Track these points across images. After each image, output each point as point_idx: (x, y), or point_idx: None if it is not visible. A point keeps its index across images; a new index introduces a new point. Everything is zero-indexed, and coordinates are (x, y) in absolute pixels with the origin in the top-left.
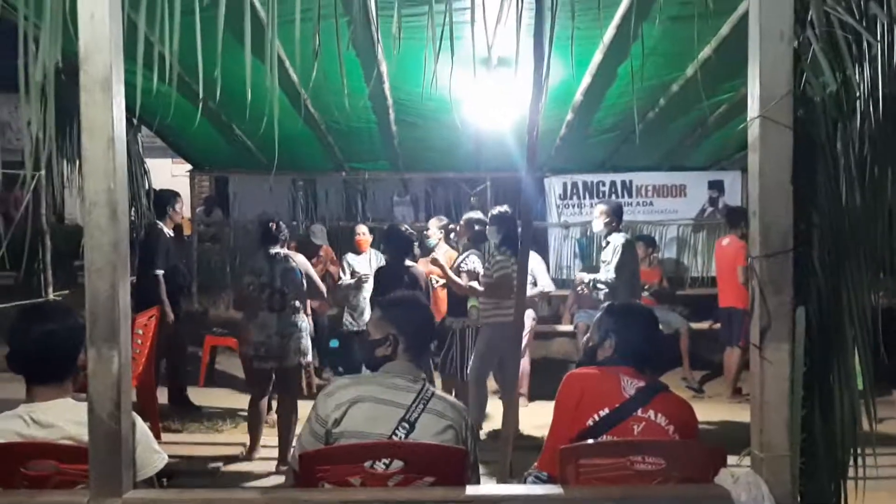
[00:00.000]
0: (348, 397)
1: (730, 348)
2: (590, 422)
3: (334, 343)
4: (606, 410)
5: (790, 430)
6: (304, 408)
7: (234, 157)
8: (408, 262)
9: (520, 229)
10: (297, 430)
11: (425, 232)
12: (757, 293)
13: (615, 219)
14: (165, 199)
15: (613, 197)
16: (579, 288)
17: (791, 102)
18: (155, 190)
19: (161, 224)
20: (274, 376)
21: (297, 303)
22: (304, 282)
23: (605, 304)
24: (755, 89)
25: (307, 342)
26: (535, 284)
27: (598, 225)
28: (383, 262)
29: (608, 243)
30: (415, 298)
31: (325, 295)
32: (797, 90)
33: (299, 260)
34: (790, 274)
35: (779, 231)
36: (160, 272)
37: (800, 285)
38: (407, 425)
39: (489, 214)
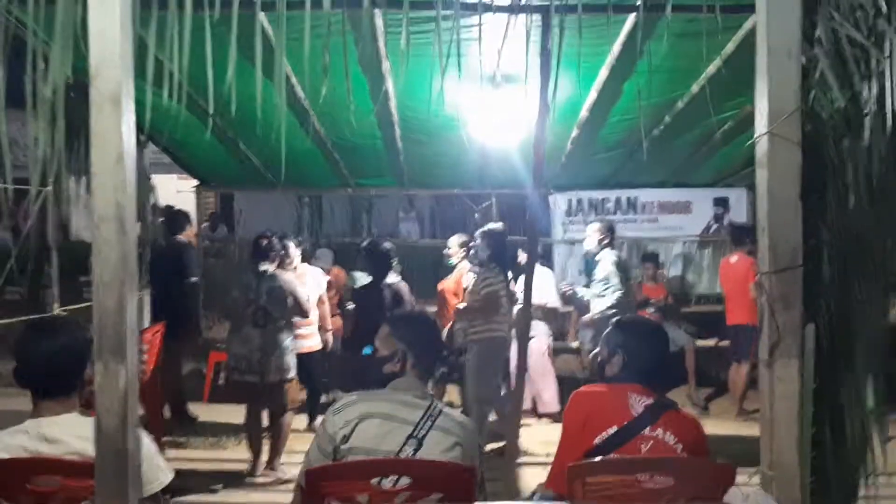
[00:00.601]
0: (356, 414)
1: (735, 365)
2: (597, 440)
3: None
4: (614, 429)
5: (800, 448)
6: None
7: (240, 173)
8: (389, 279)
9: (516, 246)
10: (288, 442)
11: (446, 251)
12: (766, 309)
13: (608, 236)
14: (183, 218)
15: (618, 214)
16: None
17: (799, 119)
18: (171, 208)
19: (181, 238)
20: (259, 391)
21: (283, 320)
22: (289, 300)
23: (613, 318)
24: (763, 106)
25: (289, 359)
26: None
27: (592, 243)
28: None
29: (598, 261)
30: (423, 314)
31: (308, 314)
32: (805, 106)
33: (285, 278)
34: (800, 290)
35: (788, 247)
36: (195, 279)
37: (809, 302)
38: (415, 442)
39: (479, 231)
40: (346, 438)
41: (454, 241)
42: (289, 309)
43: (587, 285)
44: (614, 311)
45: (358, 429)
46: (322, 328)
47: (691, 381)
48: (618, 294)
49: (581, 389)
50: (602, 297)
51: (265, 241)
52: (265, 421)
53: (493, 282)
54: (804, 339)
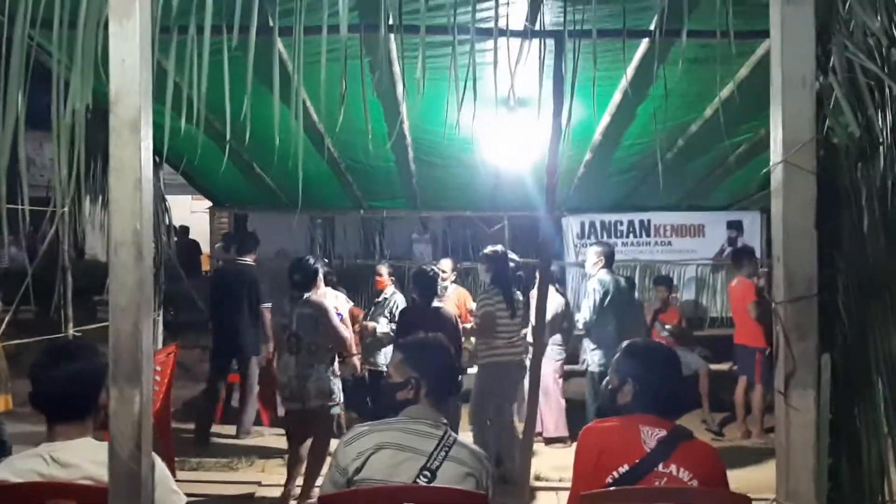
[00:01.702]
0: (369, 445)
1: (741, 378)
2: (609, 479)
3: None
4: (626, 467)
5: (816, 479)
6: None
7: (254, 194)
8: (436, 304)
9: (529, 268)
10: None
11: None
12: (781, 339)
13: (603, 260)
14: (252, 240)
15: (632, 236)
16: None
17: (814, 148)
18: (240, 230)
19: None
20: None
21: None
22: (321, 327)
23: (624, 344)
24: (778, 134)
25: (328, 385)
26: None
27: (589, 265)
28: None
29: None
30: (437, 341)
31: (346, 342)
32: (820, 134)
33: (316, 304)
34: (815, 320)
35: (803, 276)
36: (268, 304)
37: (825, 331)
38: (428, 473)
39: (481, 254)
40: (358, 470)
41: (446, 265)
42: (320, 336)
43: None
44: (594, 334)
45: (370, 460)
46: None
47: (705, 406)
48: (588, 318)
49: (591, 425)
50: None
51: (296, 266)
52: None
53: (489, 303)
54: (820, 369)
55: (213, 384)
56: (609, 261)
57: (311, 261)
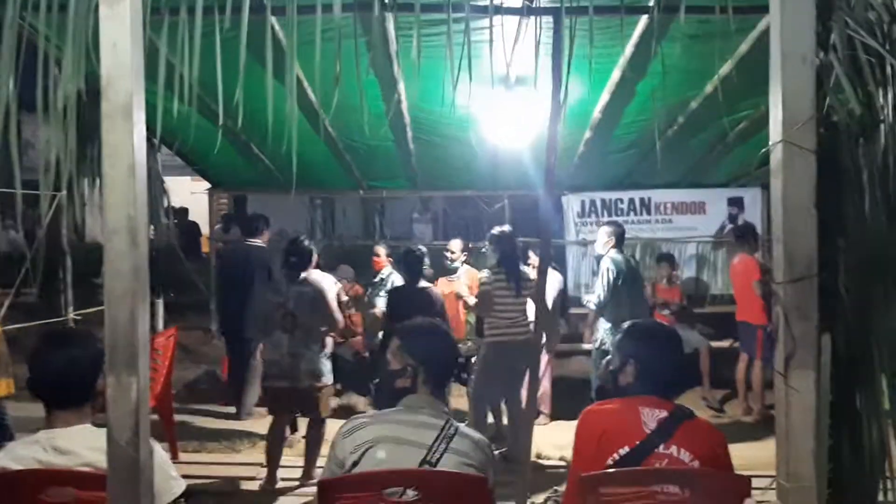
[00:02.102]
0: (367, 438)
1: (743, 356)
2: (609, 461)
3: None
4: (626, 449)
5: (817, 460)
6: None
7: (253, 175)
8: (422, 284)
9: (523, 247)
10: (324, 450)
11: (446, 253)
12: (781, 320)
13: (613, 240)
14: (262, 221)
15: (632, 214)
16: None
17: (814, 126)
18: (255, 214)
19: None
20: (293, 397)
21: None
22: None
23: (626, 324)
24: (777, 113)
25: (319, 365)
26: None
27: (599, 245)
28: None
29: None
30: (435, 326)
31: (339, 324)
32: (820, 113)
33: (315, 284)
34: (815, 300)
35: (803, 256)
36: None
37: (825, 312)
38: (428, 467)
39: (488, 234)
40: (355, 464)
41: (456, 245)
42: (316, 316)
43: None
44: (607, 314)
45: (368, 454)
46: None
47: (706, 383)
48: (602, 298)
49: (591, 407)
50: (593, 301)
51: (293, 245)
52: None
53: (487, 283)
54: (820, 350)
55: (237, 366)
56: (620, 240)
57: (307, 241)
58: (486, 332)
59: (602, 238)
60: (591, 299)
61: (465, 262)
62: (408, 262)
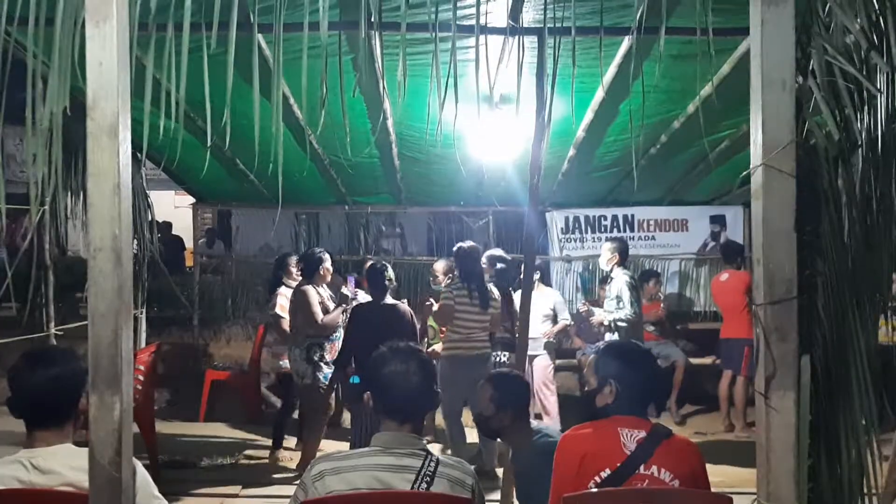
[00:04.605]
0: (337, 487)
1: (725, 374)
2: (591, 485)
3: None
4: (608, 471)
5: (797, 480)
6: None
7: (237, 190)
8: (389, 300)
9: (518, 265)
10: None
11: (432, 277)
12: (762, 341)
13: (619, 256)
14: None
15: (615, 231)
16: (595, 326)
17: (794, 150)
18: (306, 252)
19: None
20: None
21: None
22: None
23: (601, 345)
24: (758, 137)
25: (301, 366)
26: (555, 320)
27: (604, 261)
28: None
29: (612, 279)
30: (403, 351)
31: (318, 323)
32: (799, 137)
33: (298, 291)
34: (795, 321)
35: (783, 278)
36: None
37: (805, 333)
38: None
39: (454, 249)
40: None
41: (440, 267)
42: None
43: (594, 303)
44: (625, 328)
45: None
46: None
47: (673, 396)
48: (629, 312)
49: (569, 433)
50: (614, 315)
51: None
52: None
53: (448, 296)
54: (800, 371)
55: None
56: (623, 256)
57: (315, 252)
58: (443, 346)
59: (606, 254)
60: (620, 315)
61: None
62: (372, 278)
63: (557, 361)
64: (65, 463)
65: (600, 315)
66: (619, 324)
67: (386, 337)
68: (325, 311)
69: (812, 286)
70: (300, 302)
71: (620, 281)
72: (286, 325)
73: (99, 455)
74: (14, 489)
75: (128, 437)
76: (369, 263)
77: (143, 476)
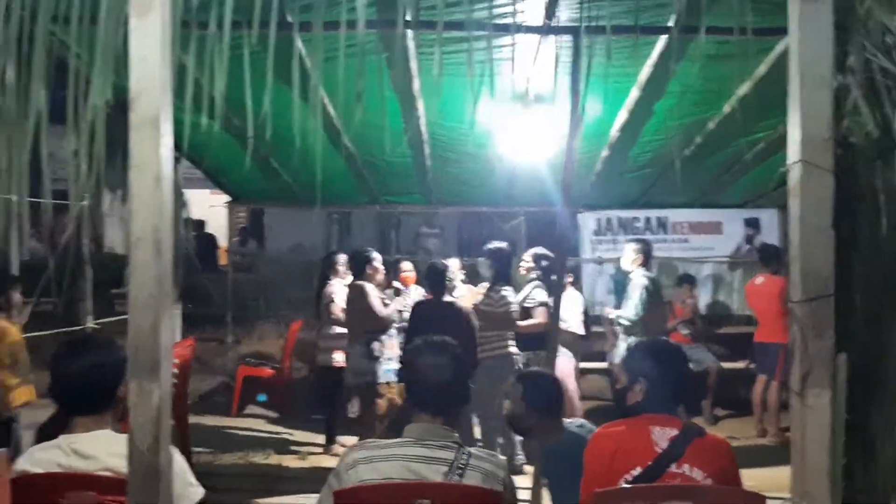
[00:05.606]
0: (370, 477)
1: (760, 379)
2: (621, 483)
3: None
4: (639, 469)
5: (831, 479)
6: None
7: (271, 189)
8: (448, 298)
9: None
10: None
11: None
12: (798, 339)
13: (641, 257)
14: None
15: (648, 234)
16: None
17: (832, 147)
18: (354, 250)
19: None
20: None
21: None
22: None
23: (632, 343)
24: (795, 134)
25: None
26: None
27: (626, 262)
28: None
29: (630, 280)
30: (436, 345)
31: (378, 316)
32: (837, 134)
33: (356, 287)
34: (831, 319)
35: (819, 276)
36: None
37: (841, 331)
38: None
39: (485, 248)
40: None
41: (454, 265)
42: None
43: (617, 305)
44: (636, 331)
45: None
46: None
47: (708, 400)
48: (632, 312)
49: (601, 430)
50: (618, 312)
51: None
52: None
53: (489, 301)
54: (836, 369)
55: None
56: (647, 258)
57: (365, 251)
58: (485, 347)
59: (629, 255)
60: (625, 314)
61: (462, 280)
62: (432, 277)
63: (588, 364)
64: (104, 448)
65: (608, 311)
66: (621, 321)
67: (446, 335)
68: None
69: (848, 284)
70: (358, 296)
71: (637, 282)
72: (340, 311)
73: (138, 441)
74: (54, 472)
75: (166, 424)
76: (429, 263)
77: (179, 463)
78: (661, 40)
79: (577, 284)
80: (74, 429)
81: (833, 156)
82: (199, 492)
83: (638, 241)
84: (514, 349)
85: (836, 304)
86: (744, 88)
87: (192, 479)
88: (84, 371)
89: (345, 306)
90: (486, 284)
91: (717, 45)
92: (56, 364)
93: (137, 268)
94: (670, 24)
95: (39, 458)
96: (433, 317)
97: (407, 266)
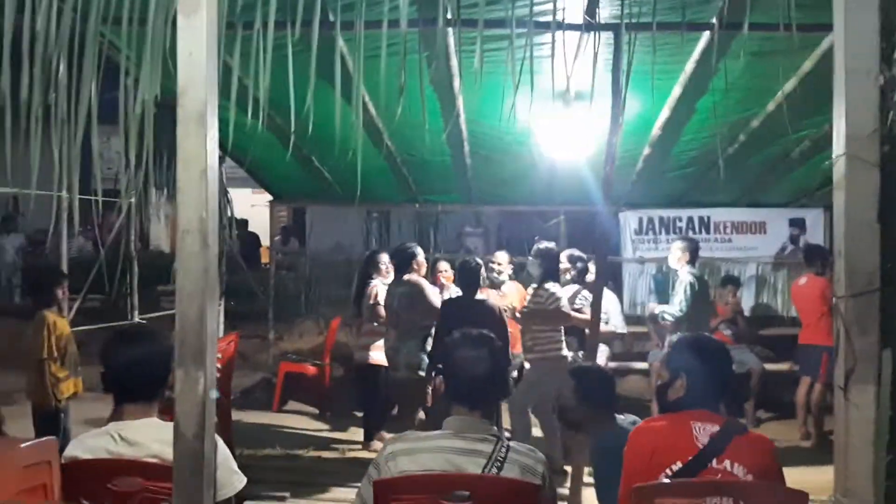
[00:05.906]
0: (409, 468)
1: (804, 379)
2: (662, 477)
3: None
4: (679, 464)
5: (875, 476)
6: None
7: (312, 188)
8: (480, 296)
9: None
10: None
11: (492, 264)
12: (842, 334)
13: (689, 255)
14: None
15: (690, 233)
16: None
17: (877, 140)
18: (398, 247)
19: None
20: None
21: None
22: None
23: (675, 339)
24: (840, 127)
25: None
26: (606, 323)
27: (673, 259)
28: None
29: (677, 277)
30: (472, 338)
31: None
32: (883, 127)
33: (413, 283)
34: (877, 315)
35: (865, 271)
36: None
37: (886, 327)
38: None
39: (533, 248)
40: None
41: (502, 258)
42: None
43: (660, 304)
44: (680, 328)
45: None
46: None
47: (751, 402)
48: (677, 309)
49: (641, 426)
50: (662, 308)
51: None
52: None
53: (538, 299)
54: (881, 365)
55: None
56: (694, 256)
57: (409, 247)
58: (533, 348)
59: (676, 253)
60: (670, 310)
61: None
62: (464, 274)
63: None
64: (150, 436)
65: (652, 307)
66: (665, 317)
67: None
68: None
69: (894, 279)
70: (416, 293)
71: (684, 279)
72: (383, 310)
73: (184, 428)
74: (103, 459)
75: (211, 412)
76: (461, 260)
77: (223, 450)
78: (704, 37)
79: (613, 284)
80: (122, 416)
81: (879, 149)
82: (242, 480)
83: (684, 238)
84: (566, 352)
85: (881, 299)
86: (789, 85)
87: (234, 466)
88: (134, 359)
89: (394, 303)
90: (534, 286)
91: (762, 41)
92: (108, 352)
93: (184, 259)
94: (713, 20)
95: (89, 445)
96: (462, 315)
97: (444, 266)
